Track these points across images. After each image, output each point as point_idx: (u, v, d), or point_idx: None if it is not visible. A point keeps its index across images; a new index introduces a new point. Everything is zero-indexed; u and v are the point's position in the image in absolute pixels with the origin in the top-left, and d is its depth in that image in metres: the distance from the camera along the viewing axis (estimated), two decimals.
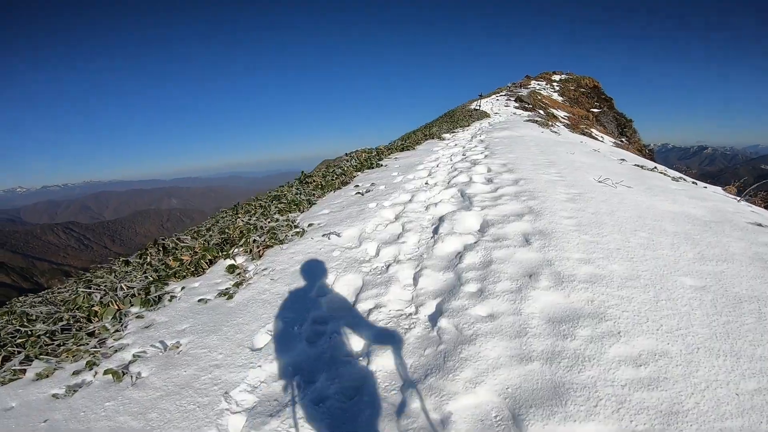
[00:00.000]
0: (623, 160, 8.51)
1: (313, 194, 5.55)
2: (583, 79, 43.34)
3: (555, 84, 41.86)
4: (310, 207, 5.19)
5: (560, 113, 29.53)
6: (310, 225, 4.52)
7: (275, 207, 5.00)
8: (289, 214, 4.80)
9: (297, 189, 5.90)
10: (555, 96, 37.49)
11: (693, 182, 6.78)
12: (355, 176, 6.66)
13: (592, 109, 37.04)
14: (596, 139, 25.57)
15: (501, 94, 34.54)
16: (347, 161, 7.52)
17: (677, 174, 7.73)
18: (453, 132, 12.64)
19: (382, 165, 7.50)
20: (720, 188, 7.09)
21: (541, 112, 25.77)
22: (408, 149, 9.07)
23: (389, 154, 8.58)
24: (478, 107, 20.95)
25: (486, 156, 7.05)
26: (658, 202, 4.48)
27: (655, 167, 7.63)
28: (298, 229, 4.24)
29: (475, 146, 8.45)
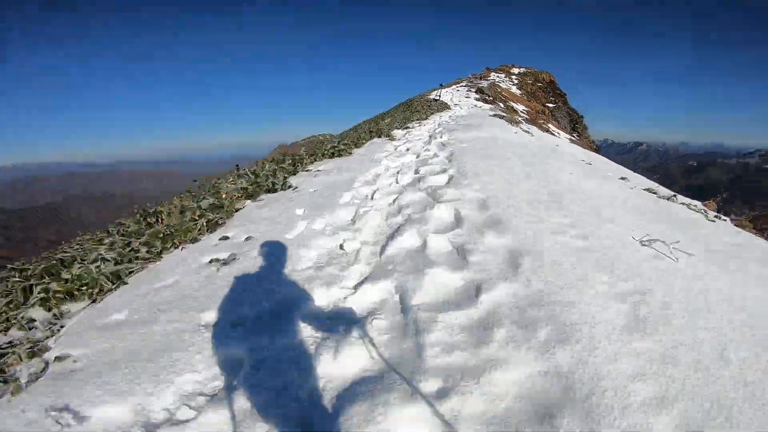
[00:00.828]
0: (624, 178, 6.29)
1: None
2: (541, 74, 42.21)
3: (514, 77, 40.36)
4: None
5: (519, 107, 27.84)
6: None
7: None
8: None
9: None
10: (513, 89, 35.94)
11: (715, 216, 4.79)
12: (233, 212, 3.83)
13: (547, 104, 35.94)
14: (554, 134, 23.97)
15: (461, 84, 32.31)
16: (232, 181, 4.62)
17: (698, 203, 5.63)
18: (407, 128, 10.03)
19: (290, 186, 4.71)
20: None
21: (501, 105, 23.81)
22: (342, 154, 6.32)
23: (311, 162, 5.79)
24: (438, 98, 18.44)
25: (451, 178, 4.52)
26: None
27: (674, 196, 5.47)
28: None
29: (435, 155, 5.89)
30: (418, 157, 5.94)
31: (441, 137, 7.61)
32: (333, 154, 6.37)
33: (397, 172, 5.10)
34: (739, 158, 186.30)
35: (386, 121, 12.09)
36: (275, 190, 4.56)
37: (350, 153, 6.46)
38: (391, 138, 7.99)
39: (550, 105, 36.27)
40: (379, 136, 8.23)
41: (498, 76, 38.76)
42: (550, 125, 28.51)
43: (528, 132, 10.37)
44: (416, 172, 5.04)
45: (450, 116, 13.28)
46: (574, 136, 33.11)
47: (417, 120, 12.37)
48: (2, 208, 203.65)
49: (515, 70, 43.01)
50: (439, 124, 10.91)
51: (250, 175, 4.71)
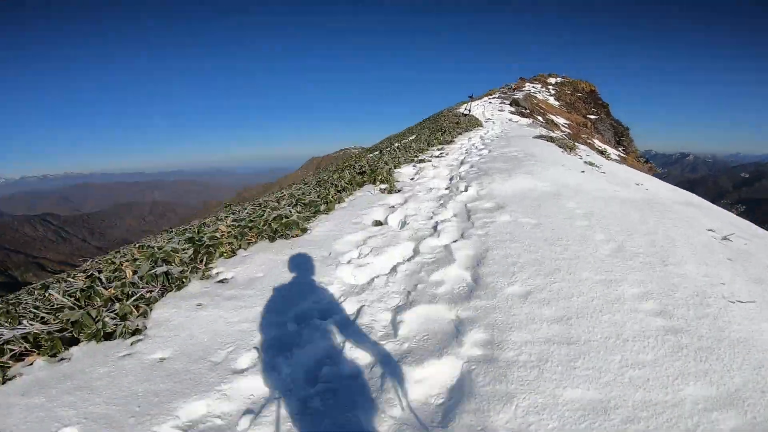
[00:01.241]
0: None
1: None
2: (580, 83, 38.16)
3: (551, 87, 36.55)
4: None
5: (559, 119, 24.16)
6: None
7: None
8: None
9: None
10: (551, 100, 32.22)
11: None
12: None
13: (588, 116, 32.05)
14: (600, 151, 20.42)
15: (494, 96, 28.96)
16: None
17: None
18: (422, 160, 7.10)
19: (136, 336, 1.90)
20: None
21: (540, 118, 20.35)
22: (289, 233, 3.45)
23: (229, 253, 2.96)
24: (467, 111, 15.42)
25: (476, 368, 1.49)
26: None
27: None
28: None
29: (451, 244, 2.88)
30: (416, 249, 2.95)
31: (467, 187, 4.61)
32: (275, 232, 3.50)
33: (358, 311, 2.14)
34: None
35: (395, 147, 9.23)
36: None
37: (304, 230, 3.57)
38: (390, 186, 5.05)
39: (592, 117, 32.40)
40: (373, 182, 5.32)
41: (534, 87, 35.16)
42: (594, 140, 24.70)
43: (592, 164, 7.15)
44: (395, 323, 2.05)
45: (482, 137, 10.22)
46: (619, 150, 28.95)
47: (439, 144, 9.38)
48: (55, 215, 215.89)
49: (552, 80, 39.21)
50: (467, 151, 7.88)
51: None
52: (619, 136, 32.68)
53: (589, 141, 23.21)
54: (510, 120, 16.71)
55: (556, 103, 32.08)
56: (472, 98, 14.75)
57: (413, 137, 12.76)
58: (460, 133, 11.22)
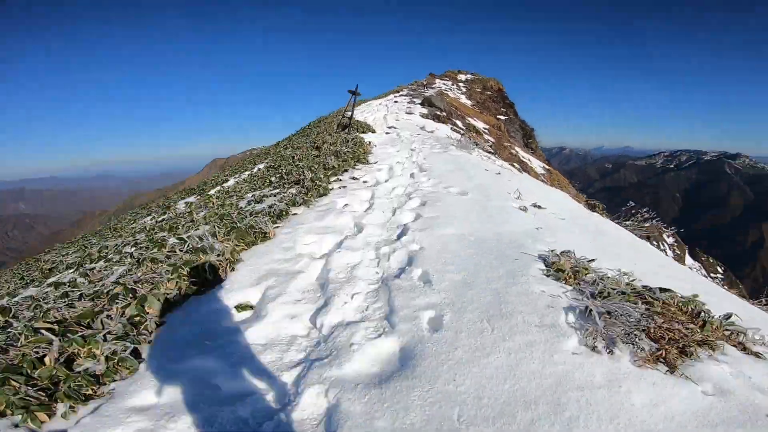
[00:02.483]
0: None
1: None
2: (488, 81, 35.31)
3: (461, 84, 32.95)
4: None
5: (478, 124, 20.12)
6: None
7: None
8: None
9: None
10: (463, 99, 28.39)
11: None
12: None
13: (498, 116, 29.02)
14: (526, 166, 16.65)
15: (401, 93, 24.04)
16: None
17: None
18: None
19: None
20: None
21: (459, 123, 15.92)
22: None
23: None
24: (348, 117, 9.67)
25: None
26: None
27: None
28: None
29: None
30: None
31: None
32: None
33: None
34: (647, 160, 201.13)
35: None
36: None
37: None
38: None
39: (502, 117, 29.38)
40: None
41: (444, 84, 31.19)
42: (517, 149, 21.29)
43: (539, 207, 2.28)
44: None
45: (373, 193, 4.88)
46: (528, 153, 26.23)
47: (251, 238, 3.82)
48: None
49: (462, 77, 35.83)
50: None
51: None
52: (527, 138, 30.22)
53: (513, 151, 19.44)
54: (423, 128, 11.81)
55: (468, 102, 28.27)
56: (354, 93, 8.84)
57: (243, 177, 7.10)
58: (334, 172, 5.70)
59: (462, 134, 12.86)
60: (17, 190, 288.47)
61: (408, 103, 19.44)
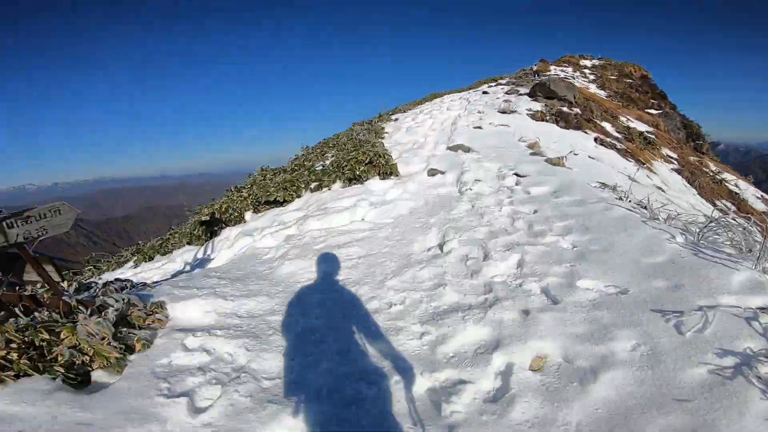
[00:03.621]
0: None
1: None
2: (626, 66, 27.08)
3: (587, 71, 25.56)
4: None
5: (638, 125, 13.40)
6: None
7: None
8: None
9: None
10: (593, 88, 21.46)
11: None
12: None
13: (648, 110, 21.39)
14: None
15: (497, 83, 18.59)
16: None
17: None
18: None
19: None
20: None
21: (608, 128, 9.92)
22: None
23: None
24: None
25: None
26: None
27: None
28: None
29: None
30: None
31: None
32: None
33: None
34: None
35: None
36: None
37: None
38: None
39: (653, 111, 21.66)
40: None
41: (562, 71, 24.42)
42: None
43: None
44: None
45: None
46: (697, 155, 17.89)
47: None
48: (86, 221, 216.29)
49: (586, 62, 28.25)
50: None
51: None
52: (694, 138, 21.34)
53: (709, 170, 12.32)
54: (537, 152, 6.75)
55: (602, 93, 20.95)
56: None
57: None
58: None
59: (598, 141, 7.28)
60: (179, 184, 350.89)
61: (506, 93, 13.97)
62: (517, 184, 5.19)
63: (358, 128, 10.52)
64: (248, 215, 5.96)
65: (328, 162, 7.14)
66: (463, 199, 4.96)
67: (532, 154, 6.40)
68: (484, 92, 16.85)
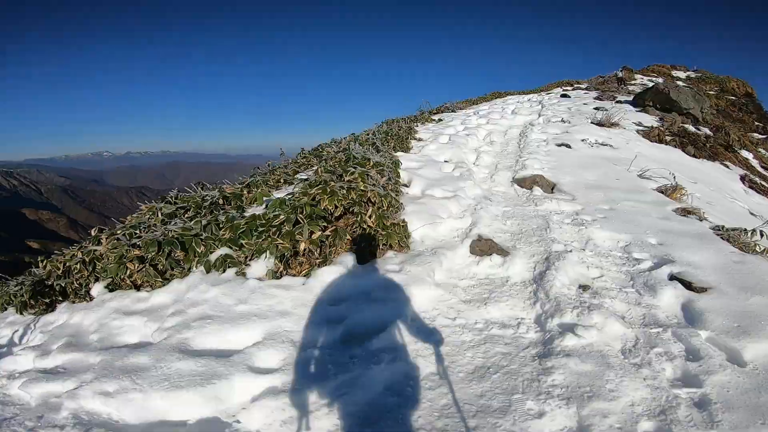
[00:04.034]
0: None
1: None
2: (729, 81, 23.18)
3: (681, 83, 21.87)
4: None
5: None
6: None
7: None
8: None
9: None
10: None
11: None
12: None
13: (752, 133, 18.21)
14: None
15: (577, 87, 16.26)
16: None
17: None
18: None
19: None
20: None
21: (754, 161, 7.54)
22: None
23: None
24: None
25: None
26: None
27: None
28: None
29: None
30: None
31: None
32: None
33: None
34: None
35: None
36: None
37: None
38: None
39: (758, 135, 18.43)
40: None
41: (651, 82, 21.05)
42: None
43: None
44: None
45: None
46: None
47: None
48: (149, 188, 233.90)
49: (680, 73, 24.71)
50: None
51: None
52: None
53: None
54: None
55: None
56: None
57: None
58: None
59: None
60: (237, 162, 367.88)
61: (596, 99, 11.65)
62: (691, 321, 2.39)
63: (364, 136, 6.41)
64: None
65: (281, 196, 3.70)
66: (556, 371, 2.08)
67: (679, 212, 3.89)
68: (564, 95, 14.49)
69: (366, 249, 3.05)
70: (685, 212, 3.80)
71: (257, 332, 2.35)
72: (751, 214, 4.68)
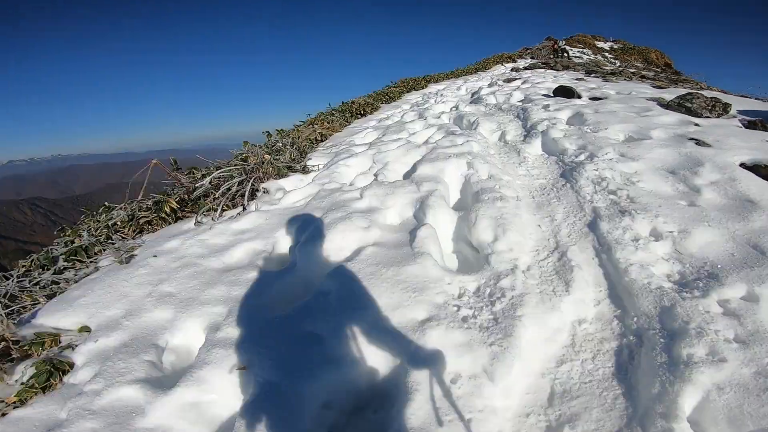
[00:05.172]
0: None
1: None
2: (650, 52, 23.04)
3: (608, 55, 21.12)
4: None
5: None
6: None
7: None
8: None
9: None
10: None
11: None
12: None
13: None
14: None
15: (507, 63, 14.00)
16: None
17: None
18: None
19: None
20: None
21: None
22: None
23: None
24: None
25: None
26: None
27: None
28: None
29: None
30: None
31: None
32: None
33: None
34: None
35: None
36: None
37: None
38: None
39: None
40: None
41: (582, 54, 19.91)
42: None
43: None
44: None
45: None
46: None
47: None
48: (44, 198, 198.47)
49: (602, 44, 23.86)
50: None
51: None
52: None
53: None
54: None
55: None
56: None
57: None
58: None
59: None
60: (143, 161, 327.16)
61: (578, 80, 9.27)
62: None
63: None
64: None
65: None
66: None
67: None
68: (498, 79, 11.75)
69: None
70: None
71: None
72: None
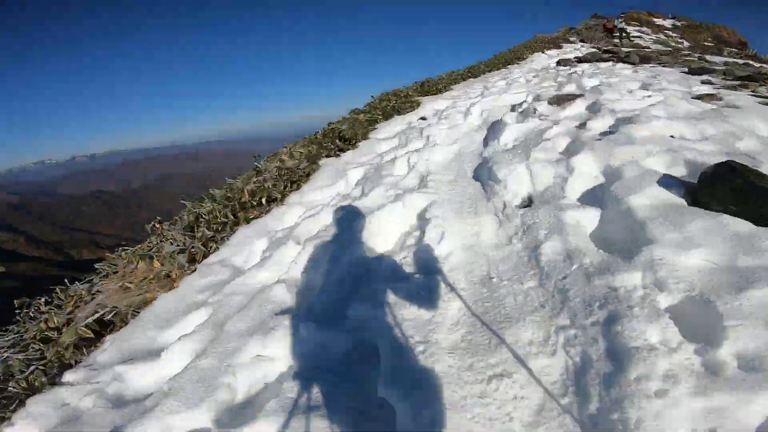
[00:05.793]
0: None
1: None
2: (721, 30, 20.06)
3: (670, 33, 18.68)
4: None
5: None
6: None
7: None
8: None
9: None
10: None
11: None
12: None
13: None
14: None
15: (549, 50, 12.43)
16: None
17: None
18: None
19: None
20: None
21: None
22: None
23: None
24: None
25: None
26: None
27: None
28: None
29: None
30: None
31: None
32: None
33: None
34: None
35: None
36: None
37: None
38: None
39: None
40: None
41: (638, 32, 17.65)
42: None
43: None
44: None
45: None
46: None
47: None
48: (106, 192, 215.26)
49: (663, 22, 21.22)
50: None
51: None
52: None
53: None
54: None
55: None
56: None
57: None
58: None
59: None
60: (193, 152, 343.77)
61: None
62: None
63: None
64: None
65: None
66: None
67: None
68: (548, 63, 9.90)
69: None
70: None
71: None
72: None
